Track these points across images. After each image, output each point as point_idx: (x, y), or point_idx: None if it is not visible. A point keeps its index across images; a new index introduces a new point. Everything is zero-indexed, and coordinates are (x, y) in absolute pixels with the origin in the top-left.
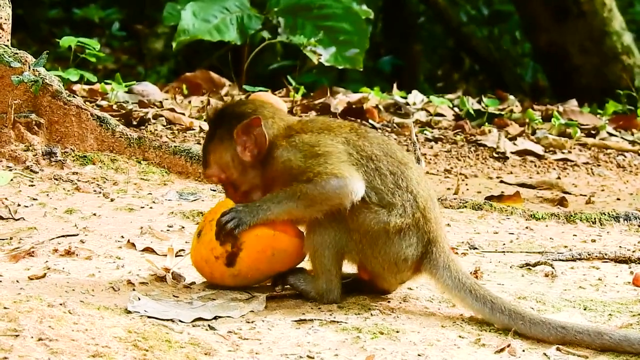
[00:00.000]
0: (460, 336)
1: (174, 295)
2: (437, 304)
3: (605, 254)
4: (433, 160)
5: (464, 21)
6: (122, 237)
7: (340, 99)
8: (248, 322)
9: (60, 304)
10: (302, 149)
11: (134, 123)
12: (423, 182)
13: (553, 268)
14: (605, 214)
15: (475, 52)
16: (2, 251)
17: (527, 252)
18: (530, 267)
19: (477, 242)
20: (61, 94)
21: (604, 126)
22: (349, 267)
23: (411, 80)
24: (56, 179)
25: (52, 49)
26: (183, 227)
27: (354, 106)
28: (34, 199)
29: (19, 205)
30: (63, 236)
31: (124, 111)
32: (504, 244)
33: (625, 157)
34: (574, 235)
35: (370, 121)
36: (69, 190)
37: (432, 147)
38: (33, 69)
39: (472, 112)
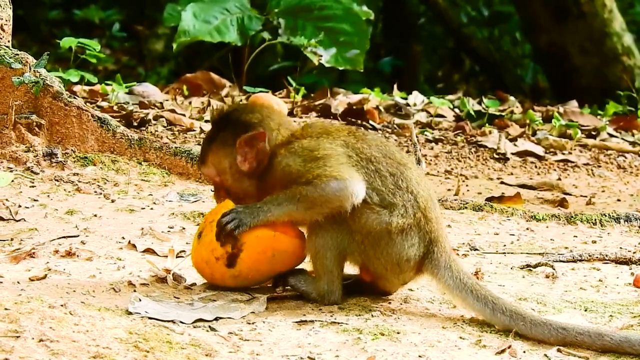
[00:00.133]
0: (461, 337)
1: (174, 297)
2: (437, 305)
3: (606, 255)
4: (434, 161)
5: (464, 22)
6: (123, 238)
7: (341, 100)
8: (249, 323)
9: (61, 305)
10: (302, 154)
11: (135, 124)
12: (422, 183)
13: (554, 269)
14: (605, 215)
15: (475, 53)
16: (3, 252)
17: (527, 253)
18: (531, 268)
19: (477, 243)
20: (62, 95)
21: (604, 127)
22: (349, 268)
23: (411, 81)
24: (57, 180)
25: (53, 50)
26: (184, 228)
27: (354, 107)
28: (34, 200)
29: (19, 206)
30: (64, 237)
31: (124, 112)
32: (505, 245)
33: (625, 158)
34: (574, 236)
35: (370, 122)
36: (69, 192)
37: (432, 148)
38: (34, 70)
39: (473, 113)
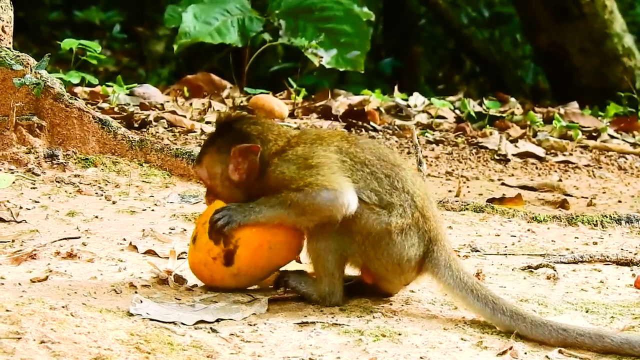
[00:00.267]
0: (462, 339)
1: (176, 298)
2: (439, 306)
3: (607, 257)
4: (434, 162)
5: (464, 23)
6: (124, 239)
7: (342, 101)
8: (250, 325)
9: (63, 307)
10: (296, 161)
11: (135, 125)
12: (418, 182)
13: (555, 271)
14: (606, 217)
15: (475, 54)
16: (4, 254)
17: (528, 254)
18: (532, 270)
19: (478, 245)
20: (63, 96)
21: (605, 128)
22: (350, 270)
23: (412, 82)
24: (58, 182)
25: (53, 51)
26: (185, 230)
27: (355, 108)
28: (35, 202)
29: (20, 207)
30: (65, 239)
31: (125, 114)
32: (506, 247)
33: (626, 159)
34: (575, 237)
35: (371, 124)
36: (70, 193)
37: (433, 150)
38: (35, 72)
39: (474, 114)
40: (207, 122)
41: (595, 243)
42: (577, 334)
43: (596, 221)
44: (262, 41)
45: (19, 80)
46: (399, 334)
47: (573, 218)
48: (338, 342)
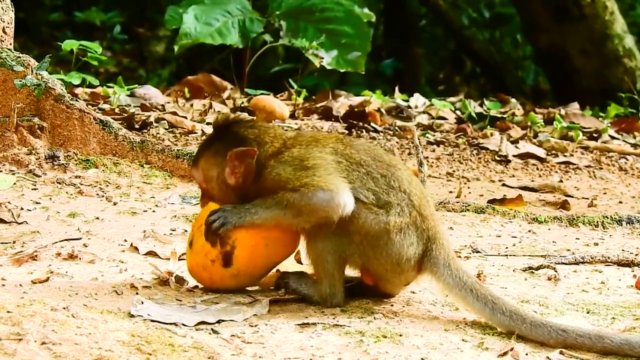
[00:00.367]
0: (463, 340)
1: (177, 299)
2: (440, 307)
3: (608, 257)
4: (435, 163)
5: (465, 24)
6: (125, 240)
7: (342, 102)
8: (251, 326)
9: (64, 308)
10: (292, 163)
11: (136, 126)
12: (414, 182)
13: (556, 271)
14: (607, 217)
15: (476, 55)
16: (5, 255)
17: (529, 255)
18: (533, 271)
19: (479, 246)
20: (64, 97)
21: (605, 129)
22: (351, 271)
23: (412, 83)
24: (59, 183)
25: (54, 52)
26: (186, 231)
27: (356, 109)
28: (36, 203)
29: (21, 209)
30: (66, 240)
31: (126, 114)
32: (507, 248)
33: (627, 160)
34: (576, 238)
35: (372, 125)
36: (71, 194)
37: (434, 151)
38: (36, 73)
39: (474, 115)
40: (208, 123)
41: (596, 244)
42: (576, 334)
43: (597, 222)
44: (262, 42)
45: (20, 81)
46: (400, 335)
47: (574, 219)
48: (339, 343)
